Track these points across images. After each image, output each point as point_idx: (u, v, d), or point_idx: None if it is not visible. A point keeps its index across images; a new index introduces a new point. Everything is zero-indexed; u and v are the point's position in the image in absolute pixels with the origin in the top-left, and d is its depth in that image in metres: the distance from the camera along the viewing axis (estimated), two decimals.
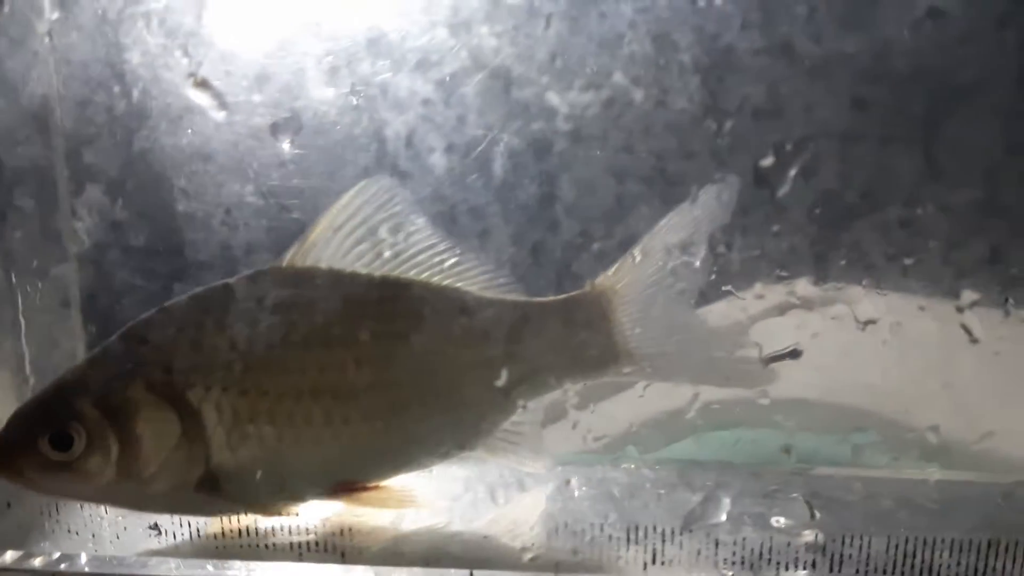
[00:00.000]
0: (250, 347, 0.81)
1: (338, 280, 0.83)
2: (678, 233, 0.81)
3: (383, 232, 0.83)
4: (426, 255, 0.84)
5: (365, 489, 0.86)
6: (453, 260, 0.85)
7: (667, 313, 0.85)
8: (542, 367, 0.86)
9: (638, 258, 0.84)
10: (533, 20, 0.80)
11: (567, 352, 0.86)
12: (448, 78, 0.82)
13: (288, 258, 0.82)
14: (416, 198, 0.84)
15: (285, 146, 0.86)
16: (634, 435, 0.92)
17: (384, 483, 0.87)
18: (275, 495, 0.84)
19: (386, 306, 0.84)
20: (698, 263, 0.82)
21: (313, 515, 0.90)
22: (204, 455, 0.80)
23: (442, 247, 0.84)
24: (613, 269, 0.85)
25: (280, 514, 0.86)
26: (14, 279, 0.92)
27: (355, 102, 0.84)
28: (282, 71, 0.84)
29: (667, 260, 0.83)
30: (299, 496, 0.86)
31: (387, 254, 0.83)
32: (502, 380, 0.85)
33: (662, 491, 0.93)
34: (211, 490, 0.81)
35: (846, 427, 0.92)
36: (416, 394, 0.85)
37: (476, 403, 0.87)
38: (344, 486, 0.86)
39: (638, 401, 0.92)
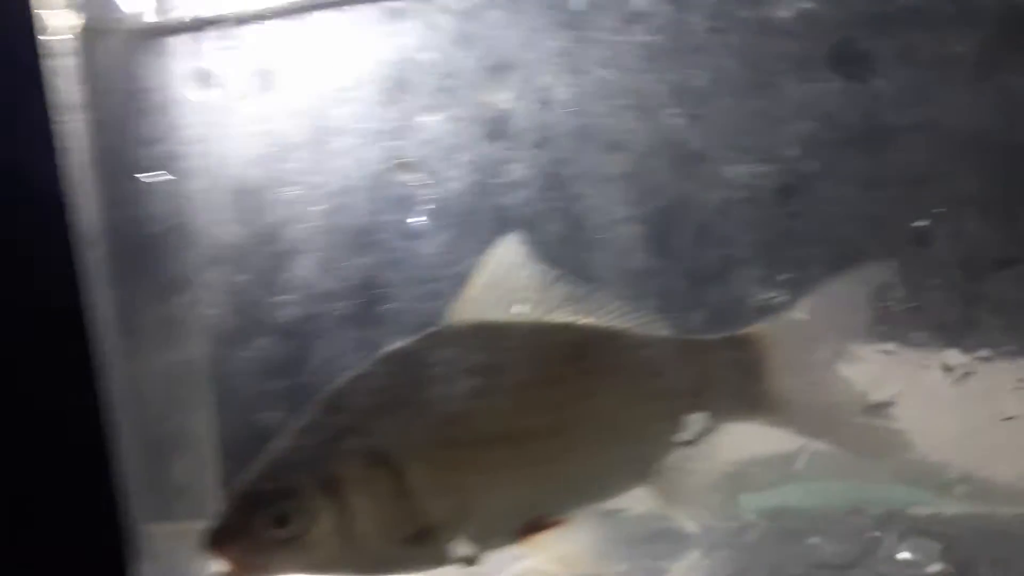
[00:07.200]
0: (440, 403, 0.84)
1: (507, 330, 0.87)
2: (841, 297, 0.87)
3: (527, 286, 0.87)
4: (570, 300, 0.88)
5: (551, 525, 0.89)
6: (601, 301, 0.89)
7: (821, 368, 0.90)
8: (690, 404, 0.89)
9: (801, 310, 0.88)
10: None
11: (716, 391, 0.90)
12: None
13: (448, 317, 0.87)
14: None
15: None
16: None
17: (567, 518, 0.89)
18: (477, 540, 0.87)
19: (554, 350, 0.88)
20: (857, 329, 0.88)
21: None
22: (412, 510, 0.83)
23: (583, 290, 0.88)
24: (775, 317, 0.90)
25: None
26: None
27: None
28: None
29: (828, 318, 0.89)
30: (497, 539, 0.88)
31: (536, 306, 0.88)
32: (656, 418, 0.89)
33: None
34: (420, 544, 0.84)
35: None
36: (590, 431, 0.88)
37: (630, 438, 0.90)
38: (533, 524, 0.88)
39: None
